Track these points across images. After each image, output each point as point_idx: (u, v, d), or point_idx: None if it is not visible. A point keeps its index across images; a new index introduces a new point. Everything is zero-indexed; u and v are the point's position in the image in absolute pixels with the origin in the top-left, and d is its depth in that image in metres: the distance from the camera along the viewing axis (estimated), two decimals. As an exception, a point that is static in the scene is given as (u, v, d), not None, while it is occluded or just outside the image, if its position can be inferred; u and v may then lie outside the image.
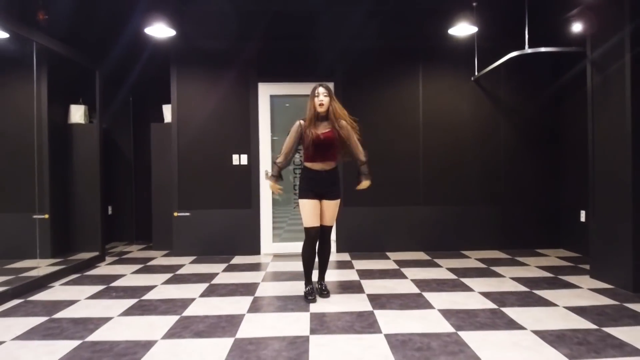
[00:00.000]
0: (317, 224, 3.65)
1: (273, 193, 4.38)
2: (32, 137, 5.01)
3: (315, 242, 3.71)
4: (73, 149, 5.81)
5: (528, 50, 4.61)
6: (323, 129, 3.58)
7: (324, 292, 3.77)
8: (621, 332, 2.91)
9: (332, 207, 3.69)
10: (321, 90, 3.57)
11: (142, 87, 6.55)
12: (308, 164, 3.65)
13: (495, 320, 3.16)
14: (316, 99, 3.56)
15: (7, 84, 5.33)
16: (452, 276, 4.46)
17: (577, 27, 4.77)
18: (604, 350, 2.64)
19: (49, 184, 5.29)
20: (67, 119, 5.82)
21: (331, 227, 3.77)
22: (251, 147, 5.74)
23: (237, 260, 5.41)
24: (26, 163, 5.09)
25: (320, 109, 3.56)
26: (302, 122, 3.66)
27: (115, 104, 6.54)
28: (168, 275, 4.65)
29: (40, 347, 2.79)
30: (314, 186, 3.62)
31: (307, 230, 3.66)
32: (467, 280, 4.28)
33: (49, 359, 2.60)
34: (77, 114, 5.86)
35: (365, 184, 3.76)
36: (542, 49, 4.61)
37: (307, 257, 3.72)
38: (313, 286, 3.77)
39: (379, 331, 2.97)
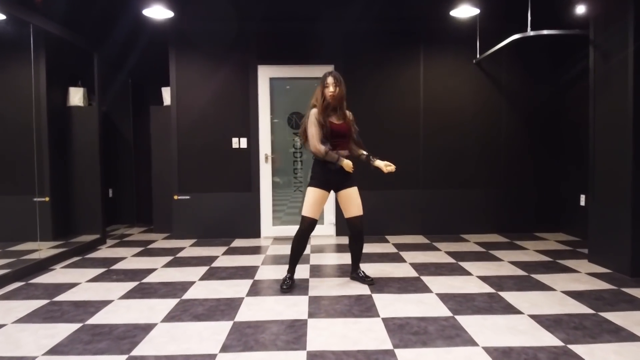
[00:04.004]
0: (316, 216, 3.50)
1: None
2: (31, 120, 5.00)
3: (308, 234, 3.51)
4: (72, 132, 5.77)
5: (530, 33, 4.53)
6: (336, 120, 3.48)
7: (368, 279, 3.71)
8: (617, 317, 2.93)
9: (354, 194, 3.56)
10: (330, 80, 3.41)
11: (141, 70, 6.48)
12: None
13: (492, 305, 3.18)
14: (326, 89, 3.41)
15: (5, 66, 5.27)
16: (450, 260, 4.47)
17: (581, 10, 4.70)
18: (600, 335, 2.65)
19: (49, 166, 5.29)
20: (66, 102, 5.79)
21: (362, 216, 3.62)
22: (251, 131, 5.71)
23: (237, 243, 5.43)
24: (26, 146, 5.05)
25: (332, 100, 3.42)
26: (315, 111, 3.45)
27: (114, 86, 6.51)
28: (168, 258, 4.67)
29: (40, 330, 2.82)
30: (330, 176, 3.48)
31: (304, 219, 3.49)
32: (465, 264, 4.29)
33: (49, 342, 2.63)
34: (76, 96, 5.82)
35: (384, 163, 3.59)
36: (545, 32, 4.53)
37: (296, 247, 3.55)
38: (293, 275, 3.64)
39: (376, 315, 3.00)
